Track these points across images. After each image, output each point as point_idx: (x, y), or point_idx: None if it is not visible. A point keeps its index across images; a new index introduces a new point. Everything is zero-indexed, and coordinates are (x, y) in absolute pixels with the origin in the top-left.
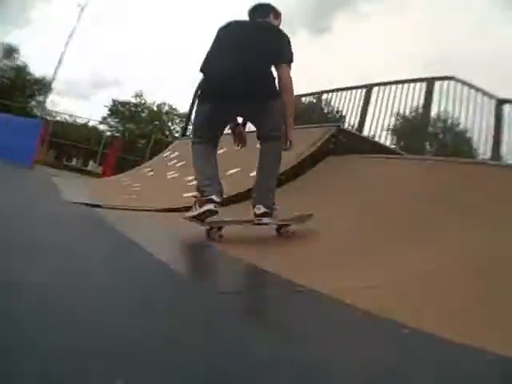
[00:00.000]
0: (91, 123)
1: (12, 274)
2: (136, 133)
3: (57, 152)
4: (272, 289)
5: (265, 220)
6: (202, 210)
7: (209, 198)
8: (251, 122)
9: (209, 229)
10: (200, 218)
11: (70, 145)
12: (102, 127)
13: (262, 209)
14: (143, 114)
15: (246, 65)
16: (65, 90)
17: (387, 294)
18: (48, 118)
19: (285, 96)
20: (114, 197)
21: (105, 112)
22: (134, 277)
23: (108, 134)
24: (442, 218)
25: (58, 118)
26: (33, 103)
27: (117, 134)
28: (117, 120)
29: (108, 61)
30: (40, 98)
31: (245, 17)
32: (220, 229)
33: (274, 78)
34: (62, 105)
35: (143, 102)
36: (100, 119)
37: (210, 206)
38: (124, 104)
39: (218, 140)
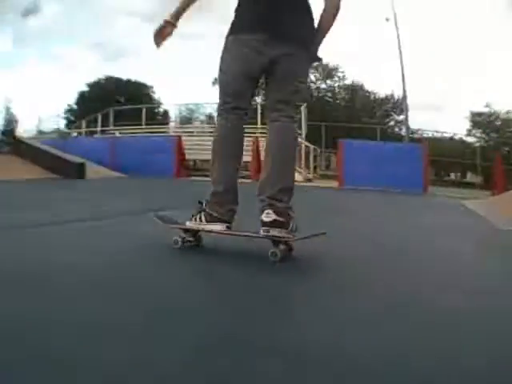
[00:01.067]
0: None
1: None
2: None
3: (436, 169)
4: None
5: (275, 233)
6: (209, 227)
7: (222, 219)
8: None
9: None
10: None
11: (446, 161)
12: (469, 139)
13: (272, 215)
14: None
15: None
16: None
17: None
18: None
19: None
20: None
21: (465, 124)
22: None
23: (477, 145)
24: None
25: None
26: (391, 123)
27: (484, 145)
28: (480, 131)
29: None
30: (397, 117)
31: None
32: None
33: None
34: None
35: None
36: (465, 132)
37: (221, 228)
38: (480, 114)
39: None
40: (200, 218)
